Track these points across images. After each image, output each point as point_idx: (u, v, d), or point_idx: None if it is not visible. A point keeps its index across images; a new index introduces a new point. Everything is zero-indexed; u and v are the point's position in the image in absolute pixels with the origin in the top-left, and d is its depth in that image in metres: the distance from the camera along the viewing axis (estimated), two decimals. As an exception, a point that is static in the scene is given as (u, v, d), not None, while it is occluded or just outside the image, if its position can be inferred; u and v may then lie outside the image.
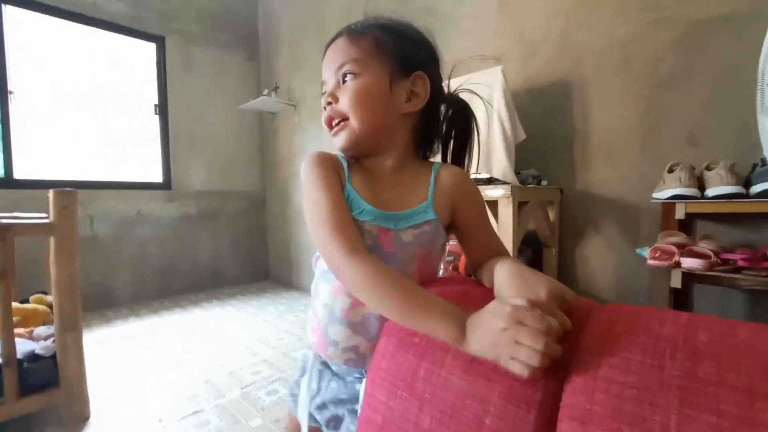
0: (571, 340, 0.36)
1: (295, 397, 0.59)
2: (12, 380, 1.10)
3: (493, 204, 1.29)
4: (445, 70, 0.61)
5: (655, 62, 1.35)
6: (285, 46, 3.09)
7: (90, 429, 1.20)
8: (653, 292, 1.07)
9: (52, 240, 1.20)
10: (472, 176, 0.66)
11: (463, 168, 0.61)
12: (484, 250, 0.56)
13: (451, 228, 0.58)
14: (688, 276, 0.99)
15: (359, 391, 0.50)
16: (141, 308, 2.52)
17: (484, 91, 1.45)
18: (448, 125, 0.61)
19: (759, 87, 0.98)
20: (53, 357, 1.20)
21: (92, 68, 2.63)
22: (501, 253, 0.55)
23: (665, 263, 1.01)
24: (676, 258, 1.01)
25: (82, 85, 2.60)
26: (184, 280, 2.89)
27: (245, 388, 1.44)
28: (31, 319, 1.42)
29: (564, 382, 0.34)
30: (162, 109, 2.84)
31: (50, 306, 1.49)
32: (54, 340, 1.23)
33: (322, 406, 0.54)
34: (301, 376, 0.58)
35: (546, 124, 1.62)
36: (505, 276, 0.42)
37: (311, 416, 0.55)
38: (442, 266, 0.62)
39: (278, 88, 3.01)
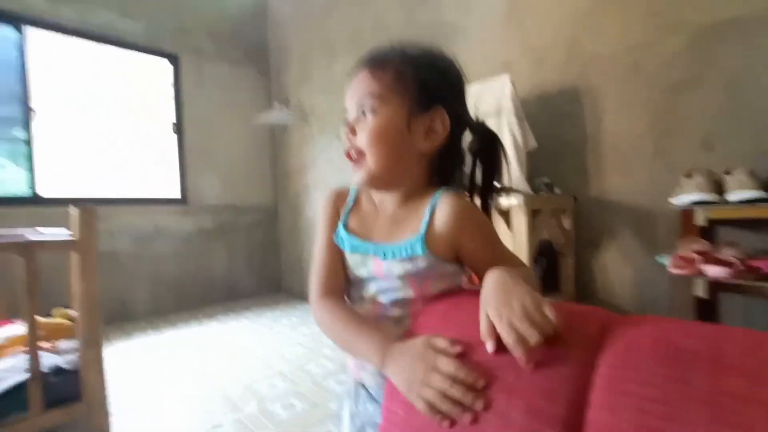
0: (593, 353, 0.36)
1: (339, 420, 0.61)
2: (37, 394, 1.13)
3: (506, 213, 1.29)
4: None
5: (665, 67, 1.34)
6: (294, 60, 3.16)
7: (110, 443, 1.21)
8: (675, 302, 1.04)
9: (74, 256, 1.24)
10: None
11: (492, 200, 0.59)
12: None
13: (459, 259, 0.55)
14: (713, 285, 0.96)
15: None
16: (159, 321, 2.56)
17: (492, 99, 1.46)
18: (473, 155, 0.58)
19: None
20: (76, 371, 1.22)
21: (111, 87, 2.74)
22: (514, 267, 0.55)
23: (688, 272, 0.99)
24: (700, 266, 0.98)
25: (101, 103, 2.70)
26: (199, 294, 2.93)
27: (261, 401, 1.45)
28: (56, 334, 1.45)
29: (587, 396, 0.34)
30: (178, 125, 2.92)
31: (73, 320, 1.52)
32: (77, 355, 1.26)
33: (361, 429, 0.55)
34: (344, 399, 0.61)
35: (556, 131, 1.62)
36: (488, 285, 0.43)
37: None
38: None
39: (289, 101, 3.07)
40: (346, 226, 0.56)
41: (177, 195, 2.92)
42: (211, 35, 3.06)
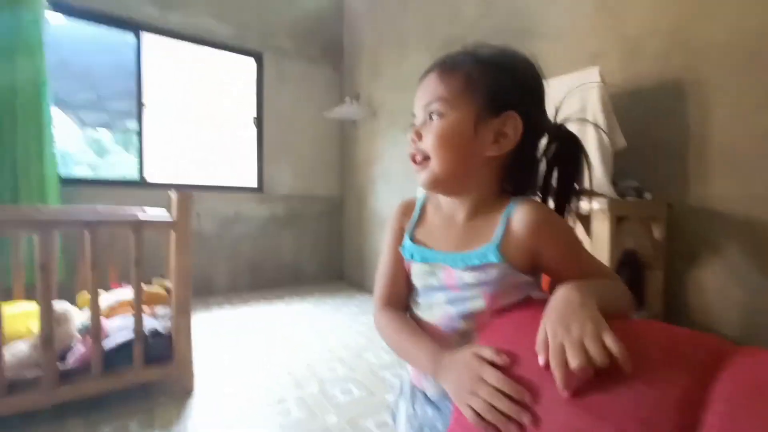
0: (703, 384, 0.32)
1: (394, 416, 0.63)
2: (140, 351, 1.31)
3: (586, 219, 1.19)
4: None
5: (802, 55, 1.12)
6: (366, 57, 3.22)
7: (194, 401, 1.37)
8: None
9: (172, 234, 1.41)
10: None
11: (568, 210, 0.56)
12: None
13: (537, 269, 0.52)
14: None
15: None
16: (234, 297, 2.82)
17: (576, 94, 1.35)
18: (550, 161, 0.55)
19: None
20: (169, 335, 1.40)
21: (203, 84, 3.05)
22: (602, 277, 0.50)
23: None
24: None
25: (195, 98, 3.02)
26: (270, 275, 3.17)
27: (322, 383, 1.52)
28: (154, 300, 1.68)
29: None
30: (258, 119, 3.16)
31: (168, 290, 1.74)
32: (170, 320, 1.44)
33: (420, 429, 0.55)
34: (399, 396, 0.62)
35: (650, 130, 1.44)
36: (555, 300, 0.42)
37: None
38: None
39: (359, 96, 3.15)
40: (412, 237, 0.57)
41: (254, 184, 3.17)
42: (291, 34, 3.24)
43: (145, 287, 1.69)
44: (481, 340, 0.48)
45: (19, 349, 1.19)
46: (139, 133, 2.69)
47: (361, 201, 3.29)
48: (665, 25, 1.41)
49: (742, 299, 1.24)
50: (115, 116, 3.21)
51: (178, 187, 1.44)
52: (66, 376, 1.19)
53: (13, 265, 1.67)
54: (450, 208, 0.56)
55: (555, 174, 0.56)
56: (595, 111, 1.31)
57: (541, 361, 0.38)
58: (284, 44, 3.22)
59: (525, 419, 0.37)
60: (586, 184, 0.59)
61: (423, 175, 0.52)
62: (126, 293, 1.63)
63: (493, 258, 0.48)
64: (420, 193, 0.61)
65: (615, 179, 1.32)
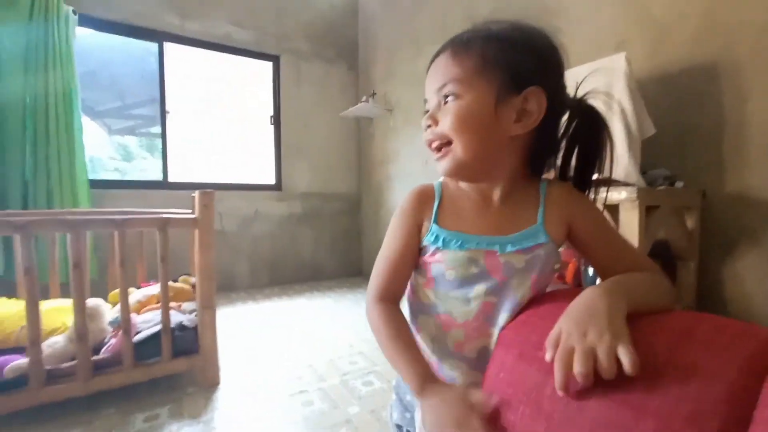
0: (754, 379, 0.30)
1: (399, 428, 0.59)
2: (167, 344, 1.35)
3: (613, 208, 1.14)
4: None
5: None
6: (382, 55, 3.21)
7: (220, 392, 1.40)
8: None
9: (196, 232, 1.44)
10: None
11: (589, 190, 0.54)
12: (616, 265, 0.48)
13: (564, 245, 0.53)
14: None
15: None
16: (256, 293, 2.88)
17: (603, 82, 1.30)
18: (570, 138, 0.52)
19: None
20: (195, 328, 1.44)
21: (222, 88, 3.11)
22: (637, 265, 0.48)
23: None
24: None
25: (215, 102, 3.08)
26: (290, 272, 3.22)
27: (344, 376, 1.53)
28: (180, 296, 1.73)
29: (744, 431, 0.28)
30: (276, 119, 3.20)
31: (193, 286, 1.79)
32: (196, 315, 1.48)
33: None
34: (401, 404, 0.59)
35: (682, 117, 1.37)
36: (580, 299, 0.40)
37: None
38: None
39: (375, 94, 3.14)
40: (439, 224, 0.52)
41: (273, 182, 3.21)
42: (307, 37, 3.26)
43: (171, 284, 1.74)
44: (509, 330, 0.46)
45: (55, 342, 1.25)
46: (163, 137, 2.77)
47: (379, 198, 3.29)
48: (696, 7, 1.34)
49: (785, 292, 1.17)
50: (140, 122, 3.33)
51: (200, 187, 1.47)
52: (99, 368, 1.24)
53: (49, 265, 1.75)
54: (479, 192, 0.52)
55: (575, 157, 0.53)
56: (622, 98, 1.26)
57: (547, 357, 0.37)
58: (301, 46, 3.24)
59: None
60: (611, 167, 0.55)
61: (445, 163, 0.49)
62: (154, 289, 1.69)
63: (542, 238, 0.48)
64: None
65: (644, 168, 1.26)
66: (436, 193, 0.55)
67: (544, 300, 0.48)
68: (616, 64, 1.28)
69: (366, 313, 0.56)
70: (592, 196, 0.54)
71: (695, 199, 1.29)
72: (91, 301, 1.33)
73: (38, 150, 2.15)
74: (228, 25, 2.93)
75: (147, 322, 1.44)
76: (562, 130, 0.52)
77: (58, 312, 1.43)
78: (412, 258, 0.54)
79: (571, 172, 0.54)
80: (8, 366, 1.12)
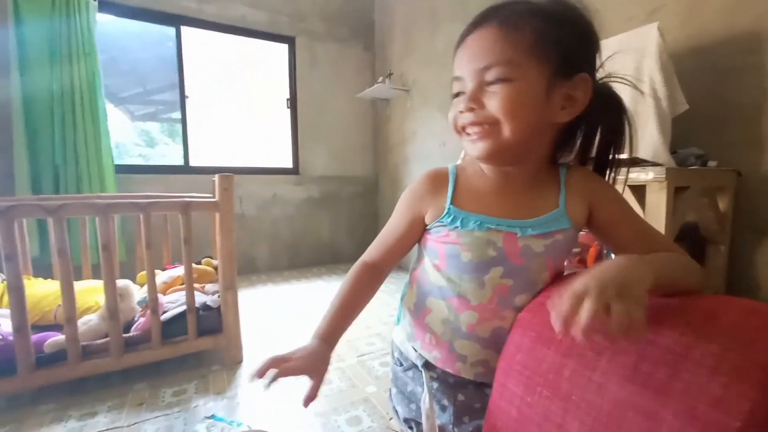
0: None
1: (408, 422, 0.59)
2: (192, 323, 1.41)
3: (639, 189, 1.10)
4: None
5: None
6: (398, 34, 3.12)
7: (243, 369, 1.46)
8: None
9: (216, 215, 1.48)
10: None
11: (607, 176, 0.53)
12: (640, 250, 0.45)
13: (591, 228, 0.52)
14: None
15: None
16: (275, 276, 2.95)
17: (632, 56, 1.23)
18: (590, 122, 0.51)
19: None
20: (218, 309, 1.49)
21: (239, 71, 3.11)
22: (662, 249, 0.45)
23: None
24: None
25: (233, 85, 3.10)
26: (308, 255, 3.27)
27: (361, 356, 1.57)
28: (203, 278, 1.79)
29: (776, 414, 0.27)
30: (292, 102, 3.19)
31: (215, 268, 1.84)
32: (219, 296, 1.53)
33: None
34: (403, 396, 0.60)
35: (717, 92, 1.29)
36: (607, 263, 0.37)
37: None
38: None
39: (392, 74, 3.08)
40: (456, 205, 0.51)
41: (290, 166, 3.24)
42: (322, 17, 3.20)
43: (194, 266, 1.79)
44: (526, 312, 0.46)
45: (89, 320, 1.32)
46: (183, 123, 2.82)
47: (396, 180, 3.26)
48: (738, -32, 1.23)
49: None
50: (161, 108, 3.38)
51: (220, 171, 1.50)
52: (130, 344, 1.31)
53: (81, 247, 1.84)
54: (503, 175, 0.51)
55: (595, 143, 0.52)
56: (652, 72, 1.19)
57: (556, 304, 0.35)
58: (316, 27, 3.19)
59: None
60: (627, 151, 0.54)
61: (484, 144, 0.45)
62: (178, 271, 1.75)
63: (565, 223, 0.48)
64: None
65: (675, 147, 1.20)
66: (451, 175, 0.54)
67: (562, 282, 0.48)
68: (648, 35, 1.21)
69: (351, 268, 0.60)
70: (612, 177, 0.53)
71: (729, 179, 1.22)
72: (121, 282, 1.39)
73: (66, 137, 2.22)
74: (243, 7, 2.90)
75: (173, 303, 1.50)
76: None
77: (90, 292, 1.50)
78: (411, 238, 0.56)
79: (592, 155, 0.53)
80: (47, 341, 1.20)
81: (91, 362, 1.24)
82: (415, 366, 0.57)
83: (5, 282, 1.19)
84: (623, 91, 0.52)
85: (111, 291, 1.26)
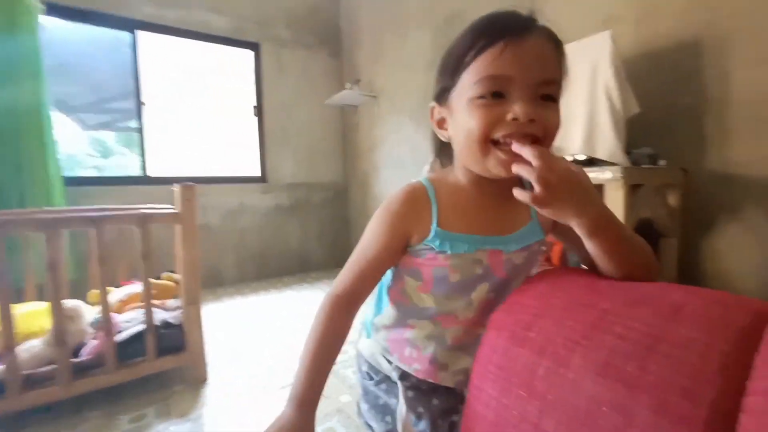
0: (746, 351, 0.29)
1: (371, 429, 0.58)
2: (152, 342, 1.32)
3: (599, 189, 1.14)
4: None
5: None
6: (365, 40, 3.13)
7: (208, 389, 1.38)
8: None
9: (178, 227, 1.39)
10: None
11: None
12: None
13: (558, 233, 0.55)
14: None
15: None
16: (243, 288, 2.84)
17: (587, 61, 1.29)
18: None
19: None
20: (180, 325, 1.40)
21: (201, 78, 3.00)
22: None
23: None
24: None
25: (194, 92, 2.98)
26: (277, 264, 3.17)
27: (334, 365, 1.52)
28: (163, 293, 1.68)
29: (739, 402, 0.27)
30: (259, 109, 3.11)
31: (177, 283, 1.74)
32: (181, 311, 1.44)
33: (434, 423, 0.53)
34: (377, 410, 0.59)
35: (666, 94, 1.38)
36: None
37: None
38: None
39: (359, 81, 3.08)
40: (443, 227, 0.48)
41: (257, 174, 3.15)
42: (288, 23, 3.16)
43: (154, 281, 1.69)
44: (499, 312, 0.45)
45: (32, 346, 1.20)
46: (140, 131, 2.67)
47: (366, 186, 3.25)
48: (681, -19, 1.33)
49: (764, 264, 1.20)
50: (117, 116, 3.18)
51: (182, 181, 1.42)
52: (81, 370, 1.20)
53: (24, 267, 1.68)
54: (478, 189, 0.50)
55: None
56: (607, 77, 1.25)
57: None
58: (281, 33, 3.14)
59: None
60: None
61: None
62: (136, 288, 1.64)
63: (539, 234, 0.50)
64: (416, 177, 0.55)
65: (629, 147, 1.27)
66: (430, 193, 0.50)
67: (533, 282, 0.48)
68: (602, 43, 1.27)
69: (318, 309, 0.52)
70: None
71: (677, 176, 1.30)
72: (70, 303, 1.28)
73: (6, 148, 2.04)
74: (206, 12, 2.81)
75: (130, 321, 1.39)
76: None
77: (34, 316, 1.37)
78: (390, 264, 0.52)
79: None
80: (-18, 372, 1.07)
81: (35, 392, 1.12)
82: (388, 378, 0.55)
83: (-71, 308, 1.06)
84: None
85: (58, 312, 1.15)
